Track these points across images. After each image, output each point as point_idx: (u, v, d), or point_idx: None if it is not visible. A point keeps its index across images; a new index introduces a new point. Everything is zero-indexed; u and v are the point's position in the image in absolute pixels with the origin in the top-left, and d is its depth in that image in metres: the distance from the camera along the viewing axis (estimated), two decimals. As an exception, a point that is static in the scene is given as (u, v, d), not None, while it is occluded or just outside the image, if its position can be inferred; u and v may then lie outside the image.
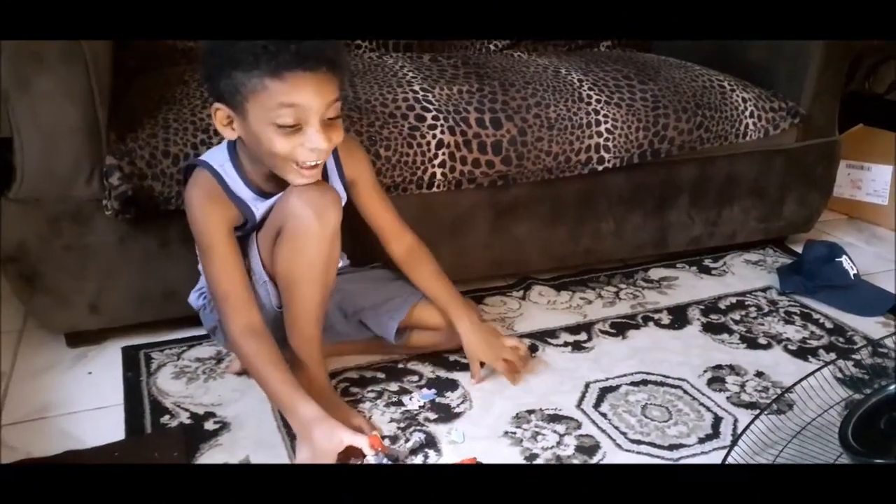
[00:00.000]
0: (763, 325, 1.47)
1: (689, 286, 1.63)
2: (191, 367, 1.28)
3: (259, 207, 1.12)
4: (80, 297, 1.28)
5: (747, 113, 1.62)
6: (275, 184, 1.11)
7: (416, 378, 1.27)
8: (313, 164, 1.03)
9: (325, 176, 1.19)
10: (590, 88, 1.54)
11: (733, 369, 1.32)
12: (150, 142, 1.23)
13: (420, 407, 1.19)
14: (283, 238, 1.07)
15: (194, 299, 1.24)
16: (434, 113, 1.40)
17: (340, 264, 1.26)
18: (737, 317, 1.50)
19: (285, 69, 0.95)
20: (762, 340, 1.42)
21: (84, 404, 1.20)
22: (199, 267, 1.18)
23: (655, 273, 1.69)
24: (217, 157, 1.10)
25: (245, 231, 1.14)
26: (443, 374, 1.28)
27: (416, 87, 1.45)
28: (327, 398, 1.12)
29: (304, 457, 1.02)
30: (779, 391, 1.24)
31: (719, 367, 1.32)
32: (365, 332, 1.27)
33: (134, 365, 1.29)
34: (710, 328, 1.46)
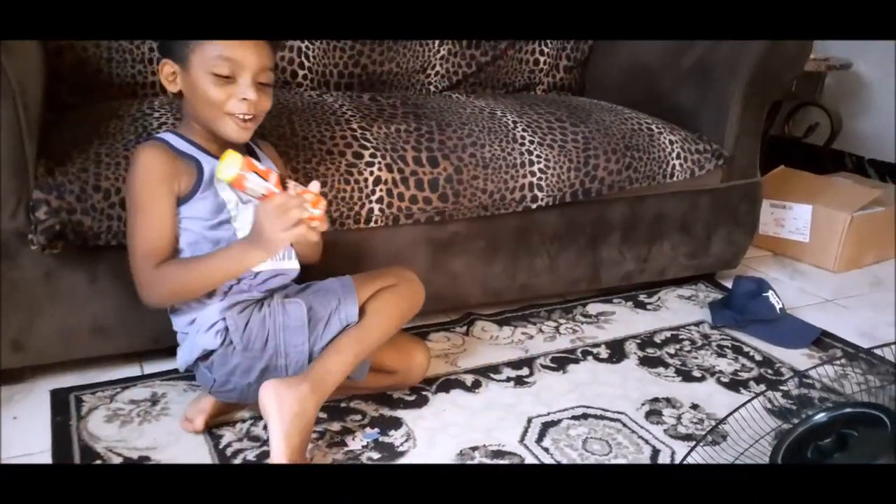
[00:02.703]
0: (697, 358, 1.52)
1: (626, 321, 1.67)
2: (124, 410, 1.23)
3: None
4: (2, 334, 1.22)
5: (674, 155, 1.69)
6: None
7: (359, 417, 1.25)
8: (244, 117, 1.10)
9: (254, 156, 1.20)
10: (524, 130, 1.58)
11: (670, 402, 1.35)
12: (81, 176, 1.19)
13: (363, 447, 1.17)
14: (401, 290, 1.22)
15: (209, 339, 1.12)
16: (372, 150, 1.41)
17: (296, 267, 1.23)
18: (672, 350, 1.54)
19: None
20: (696, 373, 1.45)
21: (8, 452, 1.13)
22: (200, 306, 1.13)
23: (593, 308, 1.72)
24: (160, 134, 1.17)
25: (194, 194, 1.11)
26: (386, 412, 1.26)
27: (355, 126, 1.46)
28: (302, 437, 1.07)
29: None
30: (713, 423, 1.27)
31: (656, 399, 1.35)
32: None
33: (63, 408, 1.22)
34: (646, 362, 1.49)
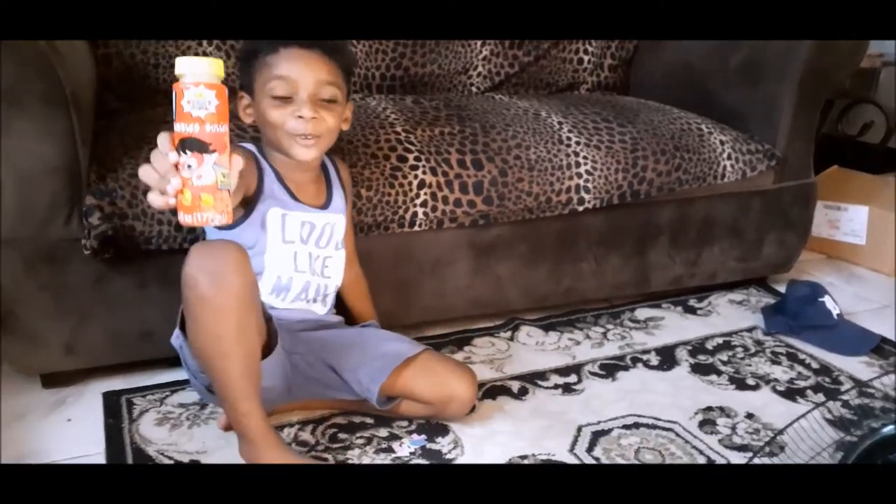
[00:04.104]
0: (750, 365, 1.47)
1: (676, 326, 1.63)
2: (174, 413, 1.24)
3: (283, 199, 1.14)
4: (55, 338, 1.25)
5: (725, 155, 1.64)
6: (306, 192, 1.17)
7: (405, 423, 1.23)
8: (305, 136, 1.09)
9: (328, 187, 1.23)
10: (569, 131, 1.55)
11: (723, 411, 1.30)
12: (132, 181, 1.20)
13: (410, 453, 1.16)
14: (185, 309, 1.00)
15: (176, 335, 1.15)
16: (416, 154, 1.40)
17: (323, 312, 1.23)
18: (724, 357, 1.50)
19: (282, 45, 1.09)
20: (750, 381, 1.41)
21: (63, 454, 1.14)
22: None
23: (642, 313, 1.68)
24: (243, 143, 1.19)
25: (247, 215, 1.11)
26: (433, 418, 1.24)
27: (399, 129, 1.45)
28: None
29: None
30: (770, 433, 1.23)
31: (709, 408, 1.31)
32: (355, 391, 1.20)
33: (115, 411, 1.24)
34: (698, 369, 1.45)
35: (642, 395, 1.35)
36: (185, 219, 0.79)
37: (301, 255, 1.17)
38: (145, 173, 0.79)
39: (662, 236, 1.66)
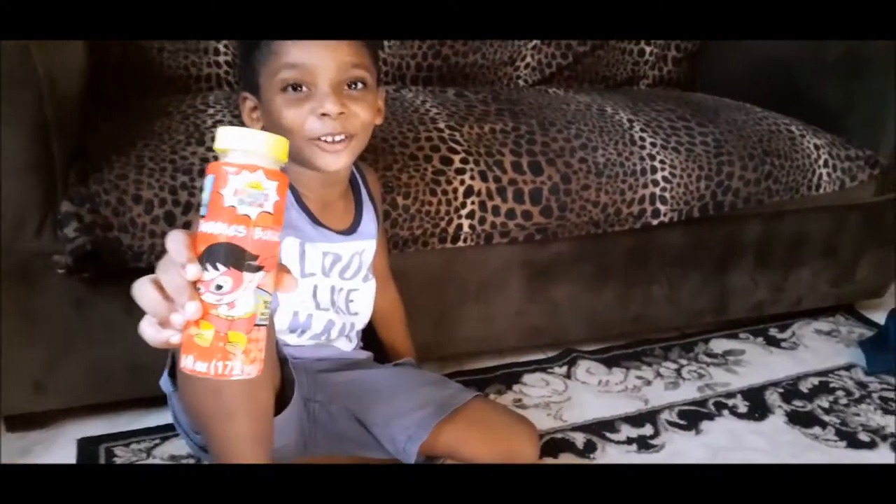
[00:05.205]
0: (859, 415, 1.23)
1: (760, 363, 1.39)
2: (162, 471, 1.03)
3: (303, 227, 0.93)
4: (24, 373, 1.05)
5: (821, 162, 1.40)
6: (331, 212, 0.97)
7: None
8: (331, 139, 0.87)
9: (358, 204, 1.01)
10: (642, 130, 1.32)
11: (840, 478, 1.07)
12: (119, 184, 0.99)
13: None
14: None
15: (164, 377, 0.96)
16: (462, 155, 1.18)
17: (349, 348, 1.03)
18: (824, 403, 1.26)
19: None
20: (863, 436, 1.17)
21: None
22: None
23: (717, 345, 1.45)
24: None
25: None
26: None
27: (442, 125, 1.24)
28: None
29: None
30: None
31: (821, 474, 1.07)
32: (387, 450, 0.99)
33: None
34: (796, 419, 1.21)
35: (735, 452, 1.12)
36: (196, 366, 0.51)
37: (322, 289, 0.96)
38: (141, 291, 0.51)
39: (746, 256, 1.44)
